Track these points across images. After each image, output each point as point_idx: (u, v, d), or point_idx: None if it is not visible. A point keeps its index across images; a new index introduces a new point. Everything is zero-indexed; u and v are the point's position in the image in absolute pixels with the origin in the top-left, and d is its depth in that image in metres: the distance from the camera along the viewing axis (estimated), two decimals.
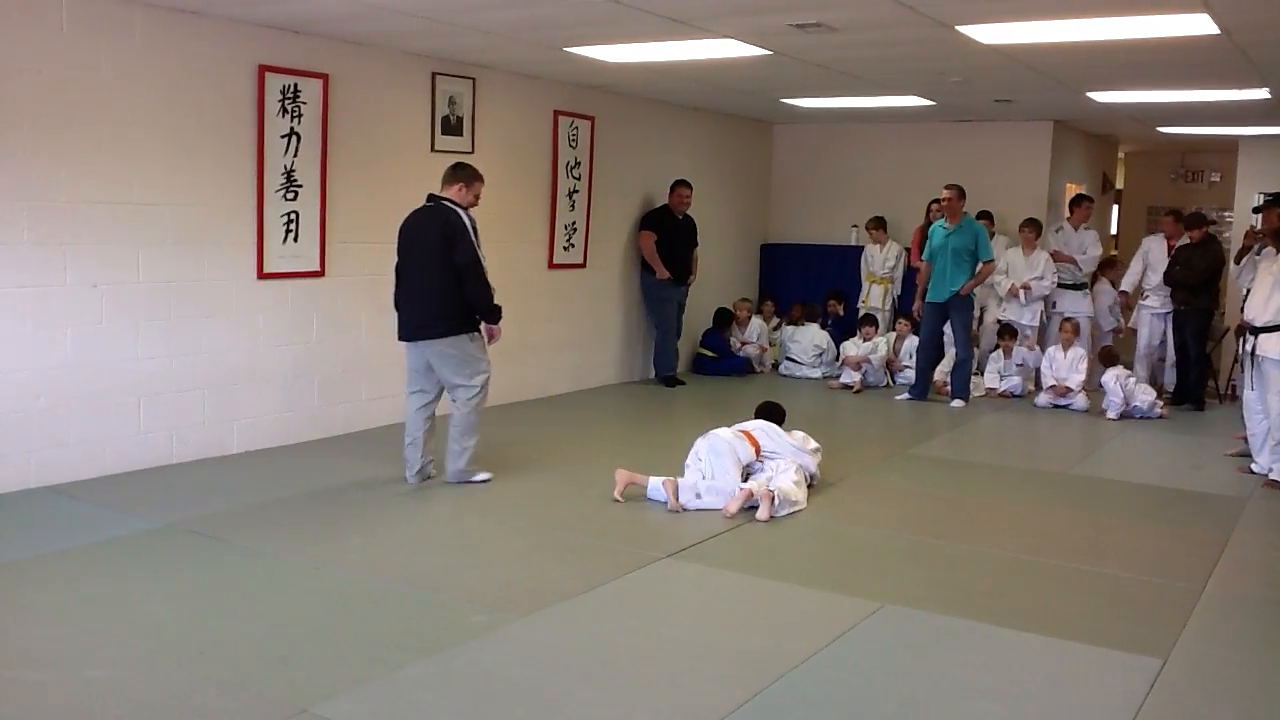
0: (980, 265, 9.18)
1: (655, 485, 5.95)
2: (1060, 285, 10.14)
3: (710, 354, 10.70)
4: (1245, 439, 7.13)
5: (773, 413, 6.66)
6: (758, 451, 6.18)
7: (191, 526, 5.26)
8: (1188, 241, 9.31)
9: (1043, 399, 9.35)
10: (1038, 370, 9.70)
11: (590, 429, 7.92)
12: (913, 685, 3.75)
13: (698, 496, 5.84)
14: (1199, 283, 9.02)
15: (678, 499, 5.80)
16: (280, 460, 6.71)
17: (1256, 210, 8.05)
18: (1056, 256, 10.08)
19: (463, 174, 6.11)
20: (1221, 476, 6.98)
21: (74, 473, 5.96)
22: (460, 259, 5.92)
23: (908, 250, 10.77)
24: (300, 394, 7.15)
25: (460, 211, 6.00)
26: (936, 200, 10.25)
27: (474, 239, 5.98)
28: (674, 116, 10.53)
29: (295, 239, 6.99)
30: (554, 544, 5.22)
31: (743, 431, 6.25)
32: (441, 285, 5.97)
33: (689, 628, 4.22)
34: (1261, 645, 4.31)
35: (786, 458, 6.19)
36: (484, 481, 6.28)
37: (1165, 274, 9.45)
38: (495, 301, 6.09)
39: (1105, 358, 9.24)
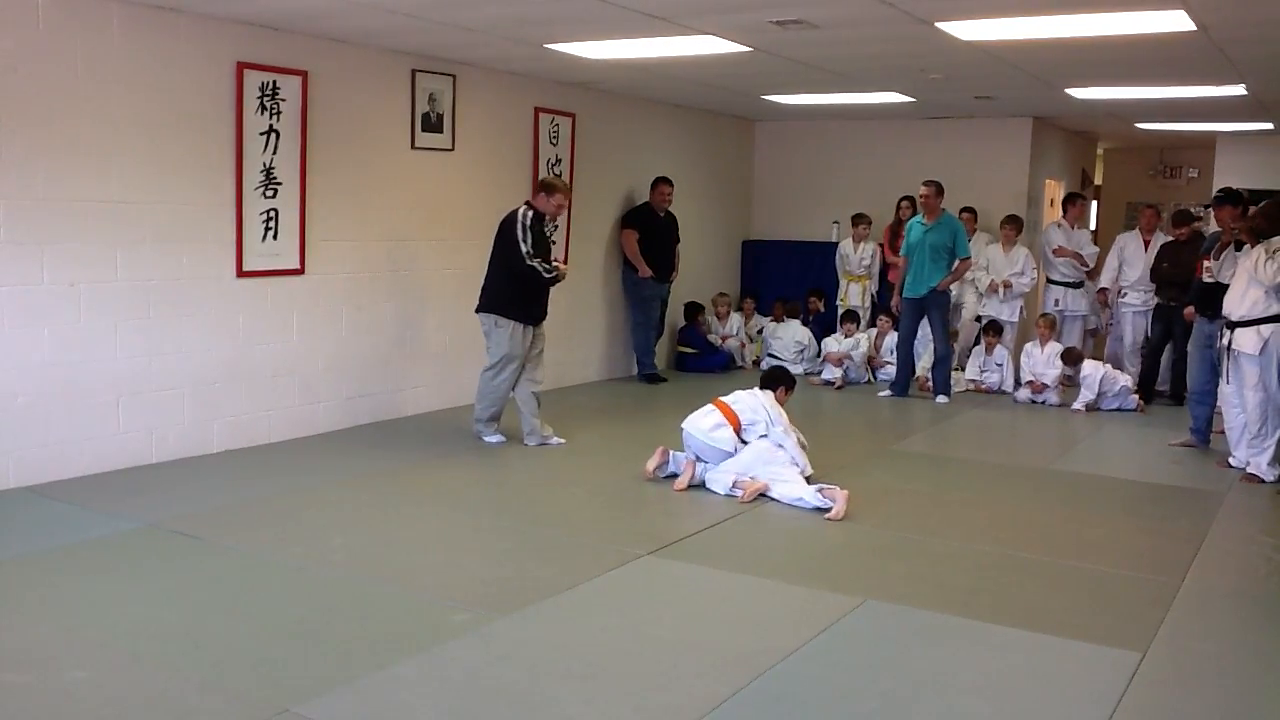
0: (957, 261, 9.20)
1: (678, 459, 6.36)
2: (1062, 283, 10.20)
3: (691, 350, 10.71)
4: (1224, 433, 7.18)
5: (773, 378, 6.63)
6: (737, 428, 6.18)
7: (172, 526, 5.23)
8: (1170, 239, 9.36)
9: (1021, 394, 9.40)
10: (1016, 366, 9.76)
11: (573, 426, 7.91)
12: (894, 680, 3.76)
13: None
14: (1189, 280, 8.99)
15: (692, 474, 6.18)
16: (261, 459, 6.68)
17: (1206, 207, 8.08)
18: (1060, 252, 10.13)
19: (542, 187, 7.22)
20: (1200, 471, 7.03)
21: (53, 473, 5.92)
22: (505, 252, 7.02)
23: (881, 247, 10.81)
24: (281, 393, 7.12)
25: (523, 210, 7.03)
26: (906, 197, 10.32)
27: (520, 234, 6.95)
28: (656, 113, 10.53)
29: (275, 237, 6.96)
30: (536, 542, 5.22)
31: (717, 405, 6.28)
32: (490, 270, 7.17)
33: (671, 625, 4.23)
34: (1239, 638, 4.34)
35: (774, 429, 6.18)
36: (495, 443, 7.16)
37: (1152, 271, 9.43)
38: (547, 274, 7.02)
39: (1069, 359, 9.25)
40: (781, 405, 6.47)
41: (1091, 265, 10.27)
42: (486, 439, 7.20)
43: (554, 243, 7.32)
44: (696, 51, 7.22)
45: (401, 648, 3.88)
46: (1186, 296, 8.19)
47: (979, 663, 3.94)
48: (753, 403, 6.31)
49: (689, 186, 10.87)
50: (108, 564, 4.73)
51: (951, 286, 9.38)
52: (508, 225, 7.04)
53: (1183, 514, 6.03)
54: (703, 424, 6.23)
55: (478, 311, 7.15)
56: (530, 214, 7.02)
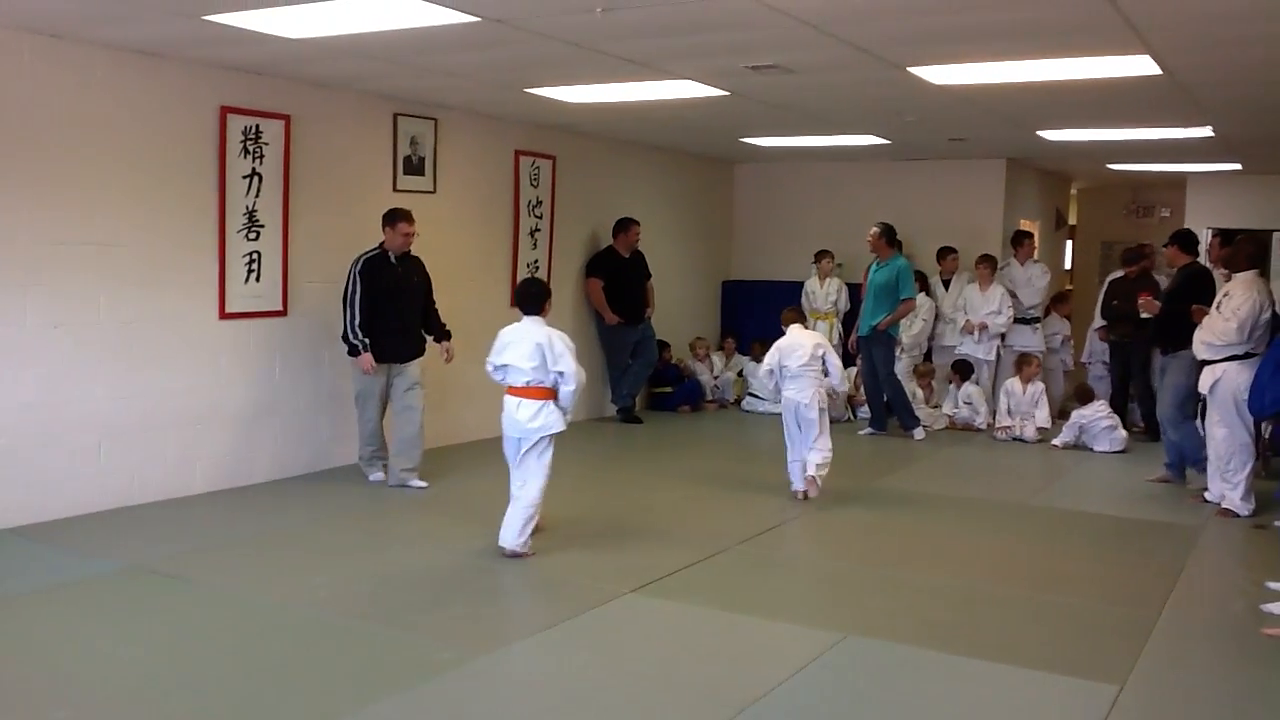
0: (900, 303, 9.27)
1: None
2: (1018, 320, 10.29)
3: (664, 389, 10.72)
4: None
5: (532, 295, 5.65)
6: (547, 394, 5.46)
7: (154, 567, 5.22)
8: (1120, 276, 9.69)
9: (1002, 433, 9.45)
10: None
11: (554, 466, 7.92)
12: (875, 715, 3.79)
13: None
14: (1139, 315, 9.23)
15: None
16: (243, 500, 6.67)
17: (1165, 245, 8.24)
18: None
19: (384, 220, 6.98)
20: (1176, 506, 7.10)
21: (35, 514, 5.90)
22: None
23: (856, 286, 10.86)
24: (263, 434, 7.13)
25: (364, 253, 6.90)
26: None
27: (349, 289, 6.81)
28: (635, 156, 10.64)
29: (257, 279, 7.00)
30: (519, 580, 5.23)
31: (515, 393, 5.50)
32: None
33: (653, 662, 4.25)
34: (1215, 670, 4.39)
35: (562, 360, 5.42)
36: (374, 481, 7.12)
37: (1103, 308, 9.77)
38: (352, 335, 6.80)
39: (1081, 395, 9.34)
40: (546, 314, 5.66)
41: (1032, 302, 10.31)
42: (369, 476, 7.16)
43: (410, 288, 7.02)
44: (675, 95, 7.32)
45: (384, 686, 3.88)
46: (1138, 331, 8.45)
47: (959, 697, 3.97)
48: (528, 348, 5.41)
49: (669, 228, 10.97)
50: (90, 605, 4.71)
51: (895, 327, 9.44)
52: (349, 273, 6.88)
53: (1159, 548, 6.09)
54: (521, 418, 5.44)
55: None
56: (369, 255, 6.85)
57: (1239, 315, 6.42)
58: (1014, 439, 9.36)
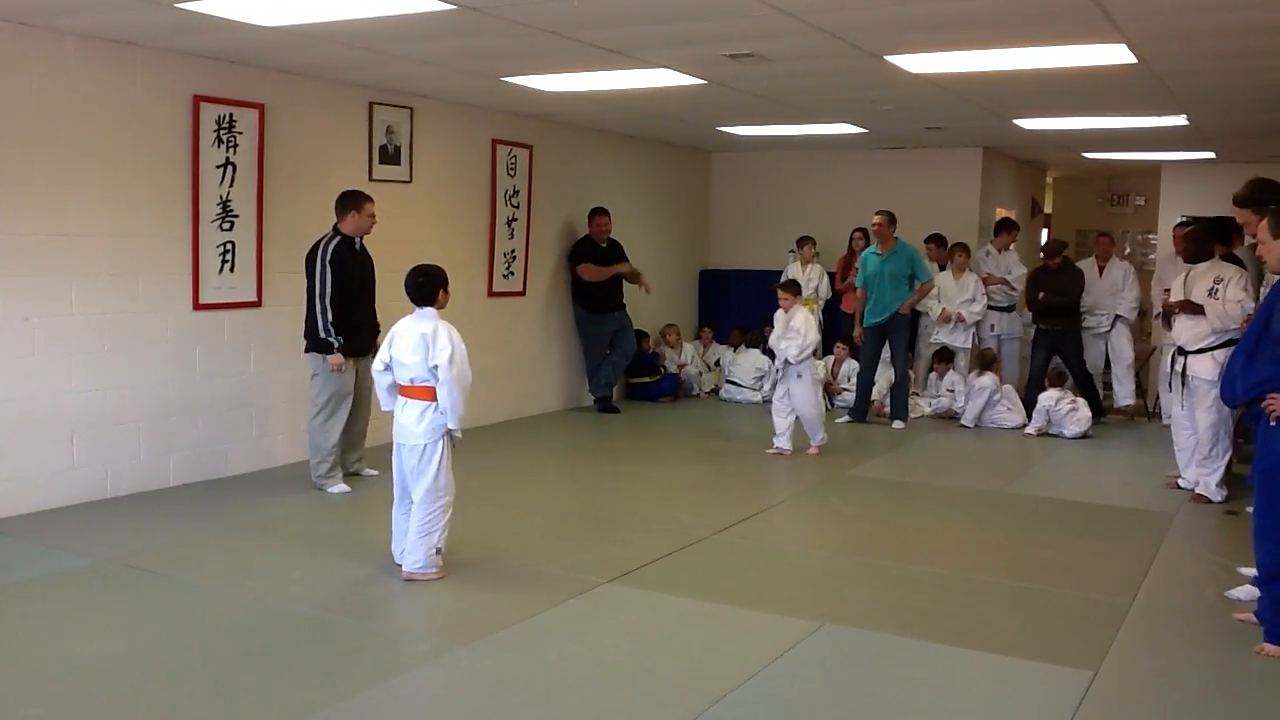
0: (919, 284, 9.40)
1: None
2: (994, 308, 10.36)
3: (642, 379, 10.72)
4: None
5: (424, 287, 5.01)
6: (432, 395, 4.93)
7: (128, 561, 5.19)
8: (1043, 268, 9.89)
9: (989, 417, 9.47)
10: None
11: (531, 456, 7.92)
12: (852, 703, 3.81)
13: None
14: (1071, 306, 9.57)
15: None
16: (218, 493, 6.63)
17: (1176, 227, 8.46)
18: (988, 280, 10.29)
19: (341, 204, 6.62)
20: (1150, 492, 7.16)
21: (6, 508, 5.85)
22: (310, 289, 6.49)
23: (831, 275, 10.89)
24: (238, 425, 7.08)
25: (325, 240, 6.52)
26: (860, 229, 10.46)
27: (320, 272, 6.43)
28: (612, 145, 10.61)
29: (232, 269, 6.95)
30: (495, 571, 5.22)
31: (404, 392, 5.00)
32: (307, 307, 6.55)
33: (630, 652, 4.25)
34: (1188, 655, 4.42)
35: (442, 362, 4.83)
36: (339, 493, 6.58)
37: (1029, 301, 9.97)
38: (325, 334, 6.45)
39: (1050, 381, 9.40)
40: (444, 305, 5.07)
41: (1019, 289, 10.42)
42: (331, 490, 6.59)
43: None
44: (651, 84, 7.30)
45: (362, 679, 3.87)
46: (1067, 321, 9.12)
47: (935, 684, 3.99)
48: (412, 340, 4.91)
49: (646, 217, 10.95)
50: (63, 600, 4.68)
51: (912, 311, 9.52)
52: (309, 260, 6.50)
53: (1133, 535, 6.13)
54: (405, 420, 4.97)
55: (305, 353, 6.63)
56: (334, 243, 6.49)
57: (1250, 293, 6.52)
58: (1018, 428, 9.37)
